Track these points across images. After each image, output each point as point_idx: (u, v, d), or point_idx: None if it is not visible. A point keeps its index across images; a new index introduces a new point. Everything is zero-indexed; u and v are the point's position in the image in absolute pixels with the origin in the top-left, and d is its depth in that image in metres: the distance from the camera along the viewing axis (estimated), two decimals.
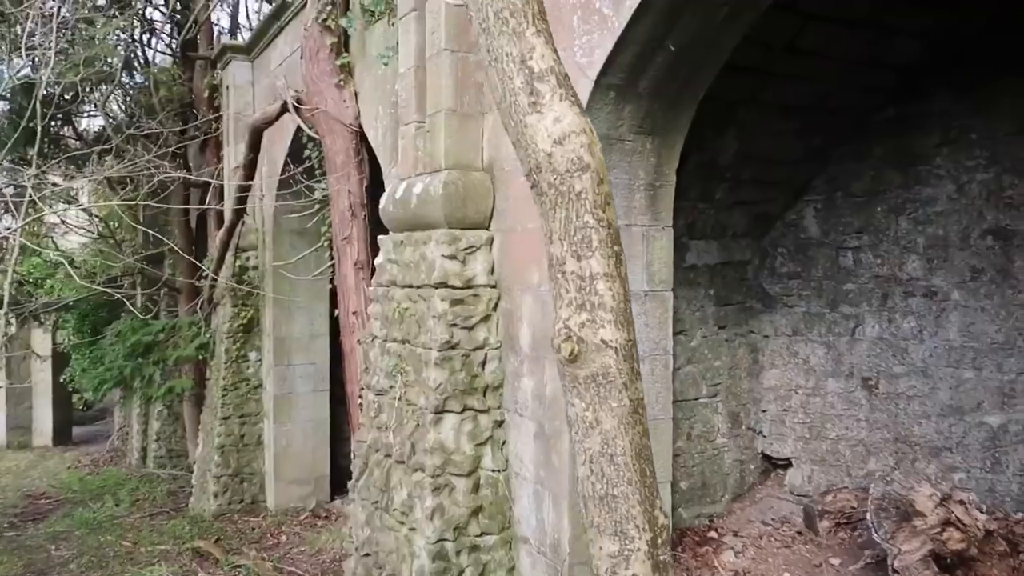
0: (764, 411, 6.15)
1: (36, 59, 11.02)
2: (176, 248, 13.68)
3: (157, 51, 13.81)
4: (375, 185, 7.21)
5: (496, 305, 4.87)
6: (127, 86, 13.53)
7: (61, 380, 16.02)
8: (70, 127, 14.46)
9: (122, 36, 12.23)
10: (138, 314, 12.66)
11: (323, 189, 7.38)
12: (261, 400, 10.41)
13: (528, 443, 4.59)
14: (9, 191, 13.95)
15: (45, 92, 12.98)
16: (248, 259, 10.56)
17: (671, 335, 4.61)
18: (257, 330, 10.53)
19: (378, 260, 5.57)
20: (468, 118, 4.96)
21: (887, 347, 5.64)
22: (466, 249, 4.83)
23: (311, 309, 10.22)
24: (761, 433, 6.15)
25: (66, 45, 12.93)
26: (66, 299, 15.21)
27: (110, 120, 14.49)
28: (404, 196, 5.20)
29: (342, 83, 7.07)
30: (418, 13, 5.21)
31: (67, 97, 13.97)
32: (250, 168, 8.35)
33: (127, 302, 11.44)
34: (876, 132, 5.68)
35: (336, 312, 7.58)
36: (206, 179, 12.12)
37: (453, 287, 4.77)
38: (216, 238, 11.03)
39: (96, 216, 14.84)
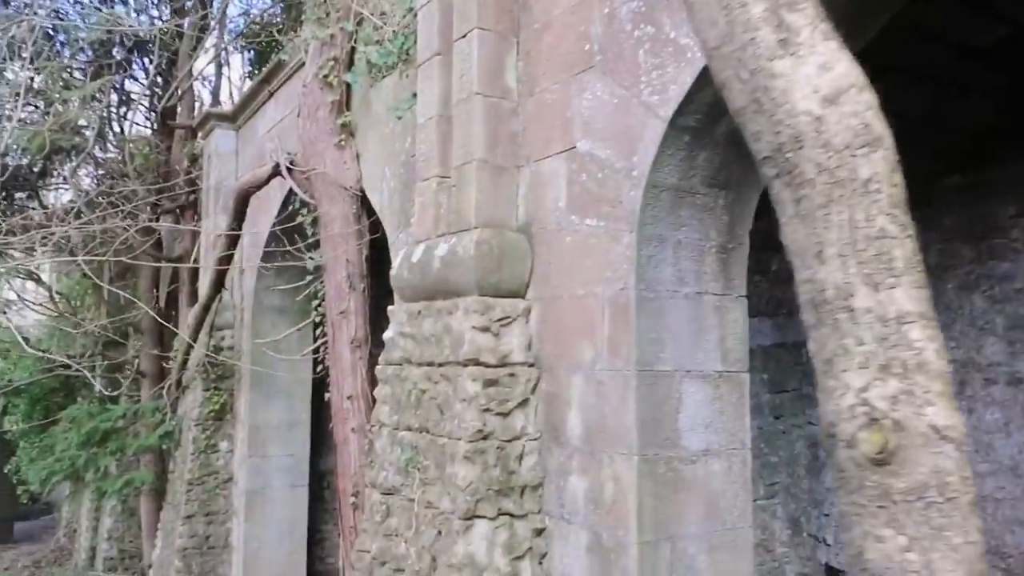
0: (827, 515, 5.37)
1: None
2: (142, 328, 12.80)
3: (134, 123, 13.21)
4: (376, 254, 6.51)
5: (535, 387, 4.11)
6: (99, 159, 12.87)
7: (5, 471, 14.62)
8: (36, 200, 13.69)
9: (98, 106, 11.64)
10: (103, 393, 11.61)
11: (315, 259, 6.66)
12: (230, 496, 9.33)
13: (579, 557, 3.75)
14: None
15: (7, 162, 12.28)
16: (223, 338, 9.68)
17: (748, 426, 3.87)
18: (229, 417, 9.54)
19: (387, 334, 4.81)
20: (502, 171, 4.32)
21: (968, 442, 4.95)
22: (501, 320, 4.11)
23: (291, 394, 9.31)
24: (824, 541, 5.35)
25: (36, 114, 12.32)
26: (17, 382, 14.05)
27: (80, 192, 13.77)
28: (423, 259, 4.49)
29: (343, 143, 6.45)
30: (443, 58, 4.64)
31: (35, 169, 13.28)
32: (232, 239, 7.62)
33: (92, 378, 10.45)
34: (945, 201, 5.16)
35: (327, 396, 6.72)
36: (178, 256, 11.34)
37: (486, 364, 4.01)
38: (189, 315, 10.15)
39: (57, 293, 13.86)
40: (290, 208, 8.32)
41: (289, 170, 6.61)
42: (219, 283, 8.18)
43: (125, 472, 11.25)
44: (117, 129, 12.69)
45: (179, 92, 11.61)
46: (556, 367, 4.01)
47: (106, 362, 14.65)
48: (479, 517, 3.85)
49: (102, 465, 9.81)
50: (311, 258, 6.75)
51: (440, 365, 4.24)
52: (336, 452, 6.31)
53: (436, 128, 4.63)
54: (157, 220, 12.07)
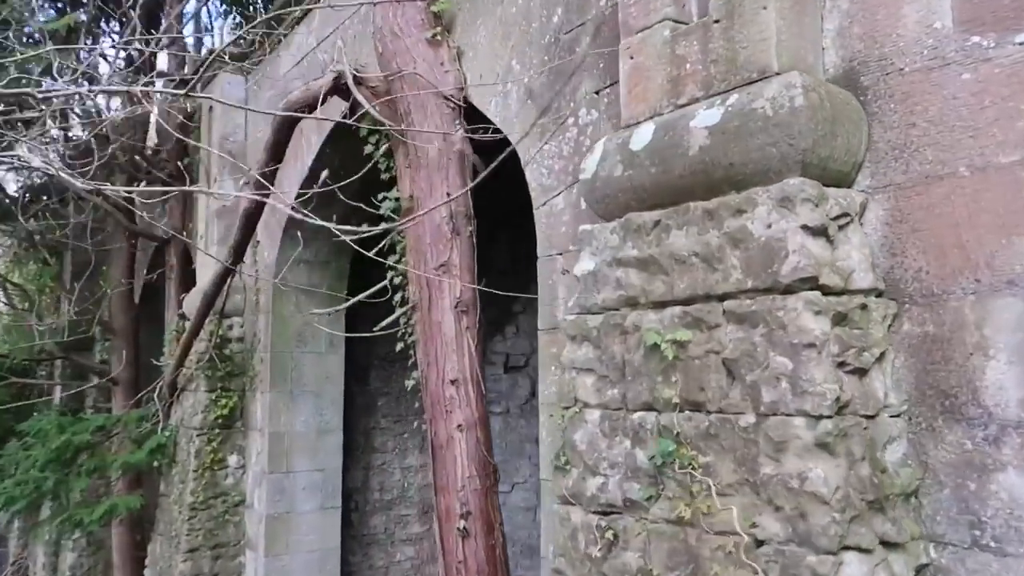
0: None
1: None
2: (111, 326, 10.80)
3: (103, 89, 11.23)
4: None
5: (889, 328, 2.50)
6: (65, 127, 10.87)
7: None
8: None
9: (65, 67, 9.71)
10: (64, 405, 9.59)
11: (392, 200, 4.94)
12: (243, 523, 7.45)
13: None
14: None
15: None
16: (231, 327, 7.83)
17: None
18: (240, 425, 7.68)
19: (584, 267, 3.13)
20: None
21: None
22: (838, 219, 2.49)
23: (320, 394, 7.50)
24: None
25: None
26: None
27: (32, 172, 11.73)
28: (662, 141, 2.85)
29: (438, 38, 4.78)
30: None
31: None
32: (268, 180, 5.82)
33: (53, 386, 8.51)
34: None
35: (410, 383, 4.98)
36: (165, 231, 9.44)
37: (829, 290, 2.39)
38: (186, 301, 8.27)
39: (9, 283, 11.74)
40: (327, 155, 6.62)
41: (358, 81, 4.89)
42: (240, 250, 6.36)
43: (98, 497, 9.25)
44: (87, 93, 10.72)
45: (162, 40, 9.73)
46: (942, 294, 2.39)
47: (68, 368, 12.59)
48: (851, 549, 2.21)
49: (76, 488, 7.83)
50: (386, 199, 5.02)
51: (721, 298, 2.59)
52: (434, 457, 4.57)
53: None
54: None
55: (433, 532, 4.76)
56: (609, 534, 2.79)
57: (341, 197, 5.07)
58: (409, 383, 5.04)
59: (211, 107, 8.36)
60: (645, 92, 3.06)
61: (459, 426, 4.49)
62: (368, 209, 5.15)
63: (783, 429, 2.32)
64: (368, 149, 5.28)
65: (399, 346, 5.13)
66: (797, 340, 2.33)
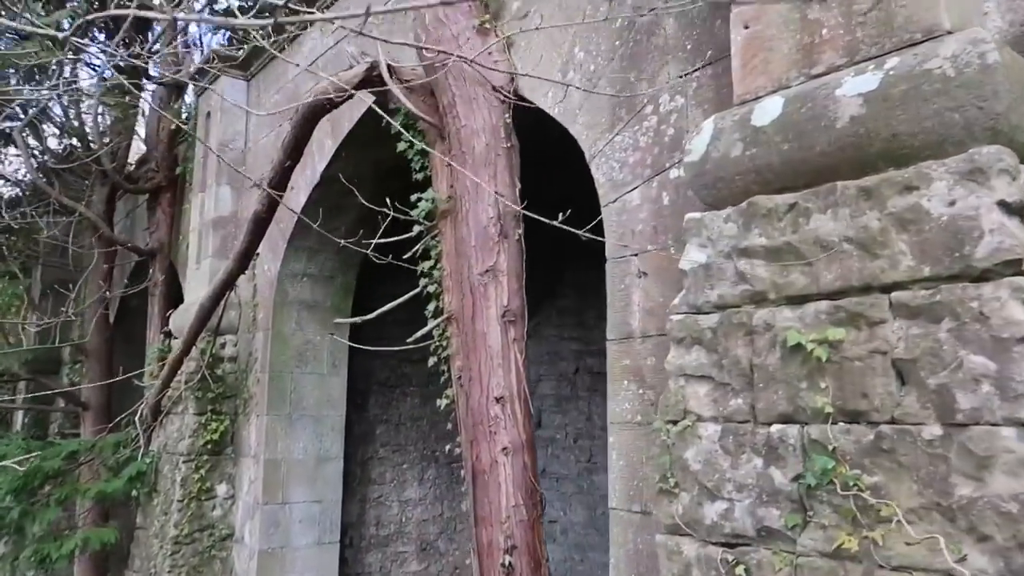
0: None
1: None
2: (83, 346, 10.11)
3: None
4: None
5: None
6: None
7: None
8: None
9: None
10: (28, 432, 8.88)
11: (430, 200, 4.51)
12: (231, 559, 6.82)
13: None
14: None
15: None
16: (223, 346, 7.28)
17: None
18: (231, 451, 7.08)
19: (693, 260, 2.74)
20: None
21: None
22: None
23: (320, 419, 6.96)
24: None
25: None
26: None
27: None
28: (797, 115, 2.49)
29: (486, 26, 4.43)
30: None
31: None
32: (282, 182, 5.34)
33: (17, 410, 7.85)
34: None
35: (443, 402, 4.52)
36: (148, 244, 8.88)
37: None
38: (168, 321, 7.70)
39: None
40: (341, 160, 6.20)
41: (391, 70, 4.49)
42: (247, 257, 5.84)
43: (61, 530, 8.50)
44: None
45: (155, 46, 9.27)
46: None
47: (32, 391, 11.80)
48: None
49: (44, 520, 7.13)
50: (421, 199, 4.59)
51: (886, 289, 2.21)
52: (475, 484, 4.09)
53: None
54: (111, 202, 9.58)
55: (470, 569, 4.24)
56: (740, 570, 2.35)
57: (362, 201, 4.66)
58: (442, 402, 4.58)
59: (208, 113, 7.90)
60: (766, 63, 2.71)
61: (504, 449, 4.03)
62: (384, 217, 4.73)
63: (988, 442, 1.93)
64: (401, 147, 4.86)
65: (431, 361, 4.65)
66: (1004, 334, 1.95)
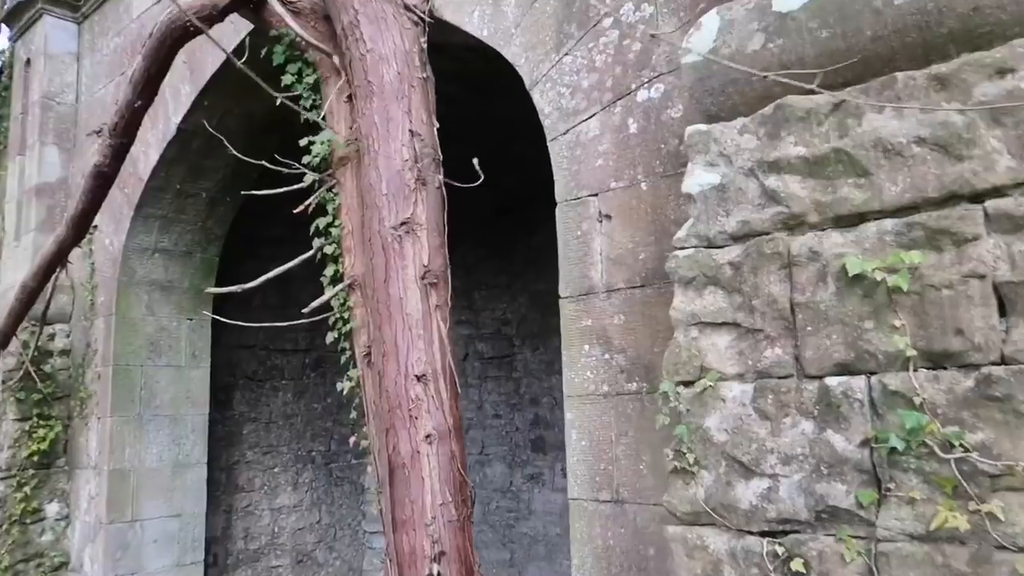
0: None
1: None
2: None
3: None
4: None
5: None
6: None
7: None
8: None
9: None
10: None
11: (325, 141, 3.72)
12: None
13: None
14: None
15: None
16: (52, 338, 6.06)
17: None
18: (63, 463, 5.90)
19: (702, 183, 2.19)
20: None
21: None
22: None
23: (178, 419, 5.92)
24: None
25: None
26: None
27: None
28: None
29: None
30: None
31: None
32: (130, 127, 4.30)
33: None
34: None
35: (342, 386, 3.75)
36: None
37: None
38: None
39: None
40: (202, 110, 5.24)
41: None
42: (85, 223, 4.73)
43: None
44: None
45: None
46: None
47: None
48: None
49: None
50: (315, 144, 3.80)
51: (976, 198, 1.76)
52: (390, 482, 3.37)
53: None
54: None
55: None
56: (796, 564, 1.83)
57: (231, 158, 3.83)
58: (344, 385, 3.80)
59: (28, 60, 6.59)
60: None
61: (428, 437, 3.33)
62: (262, 174, 3.93)
63: None
64: (287, 80, 4.03)
65: (329, 337, 3.86)
66: None
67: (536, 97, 3.19)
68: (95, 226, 5.85)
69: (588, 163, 2.98)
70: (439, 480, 3.34)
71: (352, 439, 3.71)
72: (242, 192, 3.85)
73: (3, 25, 6.99)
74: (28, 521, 5.64)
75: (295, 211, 3.74)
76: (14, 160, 6.59)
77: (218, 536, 6.85)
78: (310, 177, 3.82)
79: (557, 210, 3.07)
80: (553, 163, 3.10)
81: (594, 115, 2.98)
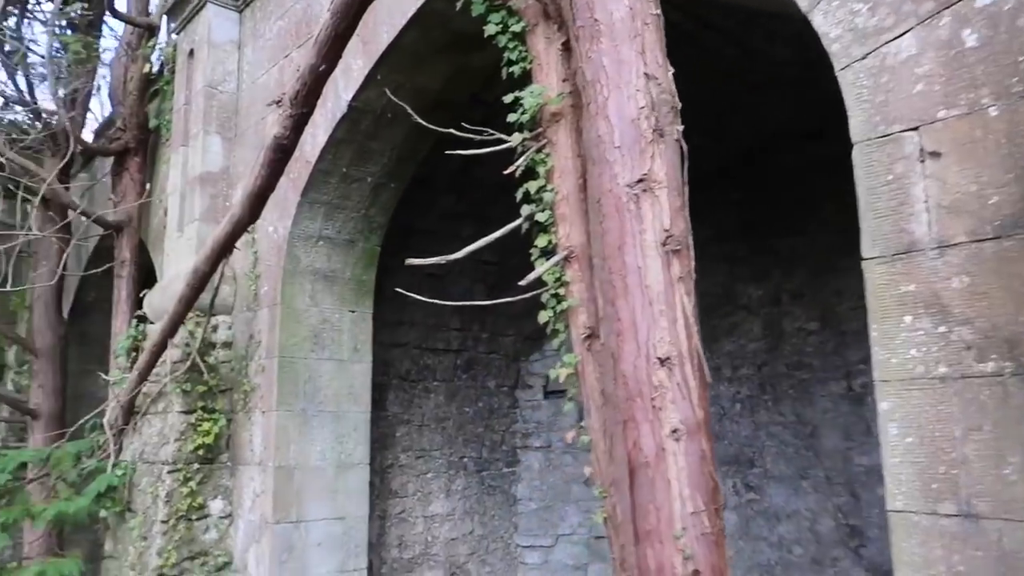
0: None
1: None
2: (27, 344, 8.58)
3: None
4: None
5: None
6: None
7: None
8: None
9: None
10: None
11: (532, 94, 3.27)
12: None
13: None
14: None
15: None
16: (215, 329, 5.91)
17: None
18: (226, 459, 5.71)
19: None
20: None
21: None
22: None
23: (341, 416, 5.64)
24: None
25: None
26: None
27: None
28: None
29: None
30: None
31: None
32: (311, 95, 4.00)
33: None
34: None
35: (568, 371, 3.26)
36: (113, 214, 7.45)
37: None
38: (153, 294, 6.29)
39: None
40: (377, 79, 4.93)
41: None
42: (262, 200, 4.47)
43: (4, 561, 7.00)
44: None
45: None
46: None
47: None
48: None
49: None
50: (524, 97, 3.36)
51: None
52: (631, 486, 2.84)
53: None
54: (66, 172, 8.13)
55: None
56: None
57: (413, 128, 3.44)
58: (557, 373, 3.31)
59: (191, 51, 6.55)
60: None
61: (674, 431, 2.79)
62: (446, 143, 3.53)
63: None
64: (490, 30, 3.62)
65: (542, 317, 3.38)
66: None
67: (817, 20, 2.62)
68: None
69: (901, 90, 2.38)
70: (688, 484, 2.80)
71: (570, 434, 3.21)
72: (446, 152, 3.43)
73: (164, 19, 7.02)
74: (193, 518, 5.46)
75: (505, 172, 3.30)
76: (177, 151, 6.54)
77: (373, 543, 6.54)
78: (517, 137, 3.38)
79: (855, 153, 2.48)
80: (846, 95, 2.52)
81: (907, 31, 2.38)
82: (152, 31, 7.43)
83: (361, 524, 5.59)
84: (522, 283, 3.16)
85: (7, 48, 8.20)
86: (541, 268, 3.25)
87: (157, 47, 7.38)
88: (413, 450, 6.93)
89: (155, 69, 7.38)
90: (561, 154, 3.30)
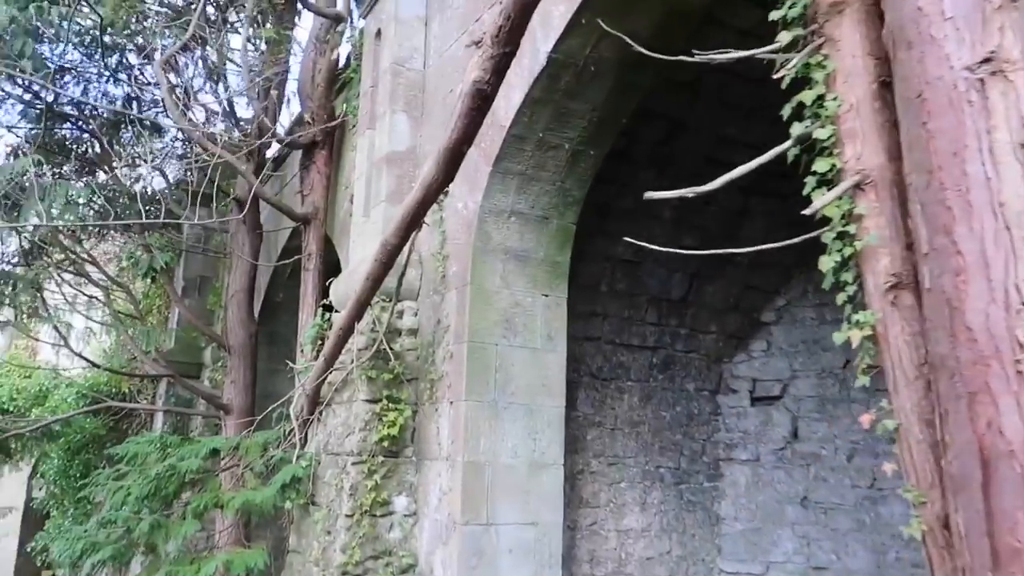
0: None
1: None
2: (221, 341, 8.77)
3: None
4: None
5: None
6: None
7: (28, 550, 10.45)
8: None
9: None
10: (166, 436, 7.47)
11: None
12: None
13: None
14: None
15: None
16: (400, 316, 5.56)
17: None
18: (411, 453, 5.31)
19: None
20: None
21: None
22: None
23: (533, 410, 5.07)
24: None
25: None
26: (46, 419, 10.08)
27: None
28: None
29: None
30: None
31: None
32: (514, 33, 3.51)
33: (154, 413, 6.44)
34: None
35: (871, 342, 2.47)
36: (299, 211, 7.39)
37: None
38: (339, 283, 6.07)
39: (113, 287, 9.90)
40: (581, 25, 4.35)
41: None
42: (451, 171, 3.99)
43: (197, 550, 7.01)
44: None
45: None
46: None
47: (172, 395, 10.66)
48: None
49: (178, 534, 5.55)
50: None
51: None
52: (984, 485, 2.02)
53: None
54: (259, 169, 8.24)
55: None
56: None
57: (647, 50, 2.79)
58: (848, 333, 2.50)
59: (378, 31, 6.34)
60: None
61: None
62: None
63: None
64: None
65: (828, 263, 2.60)
66: None
67: None
68: (445, 191, 5.26)
69: None
70: None
71: (866, 417, 2.41)
72: (702, 58, 2.74)
73: (354, 8, 6.91)
74: (377, 514, 5.08)
75: (775, 75, 2.59)
76: (363, 135, 6.34)
77: (563, 556, 5.91)
78: (786, 36, 2.65)
79: None
80: None
81: None
82: (339, 21, 7.37)
83: (555, 532, 4.98)
84: (808, 211, 2.41)
85: (211, 60, 8.52)
86: (824, 198, 2.49)
87: (345, 39, 7.31)
88: (605, 456, 6.25)
89: (342, 62, 7.32)
90: (847, 52, 2.54)
